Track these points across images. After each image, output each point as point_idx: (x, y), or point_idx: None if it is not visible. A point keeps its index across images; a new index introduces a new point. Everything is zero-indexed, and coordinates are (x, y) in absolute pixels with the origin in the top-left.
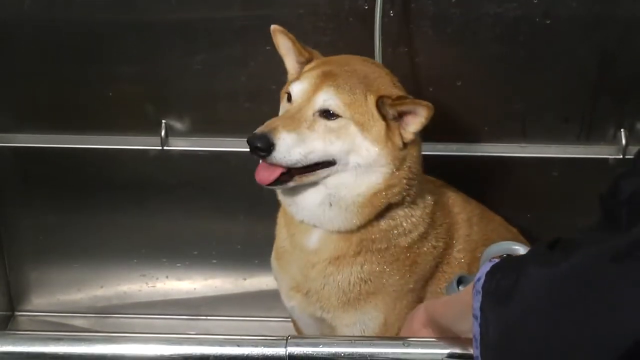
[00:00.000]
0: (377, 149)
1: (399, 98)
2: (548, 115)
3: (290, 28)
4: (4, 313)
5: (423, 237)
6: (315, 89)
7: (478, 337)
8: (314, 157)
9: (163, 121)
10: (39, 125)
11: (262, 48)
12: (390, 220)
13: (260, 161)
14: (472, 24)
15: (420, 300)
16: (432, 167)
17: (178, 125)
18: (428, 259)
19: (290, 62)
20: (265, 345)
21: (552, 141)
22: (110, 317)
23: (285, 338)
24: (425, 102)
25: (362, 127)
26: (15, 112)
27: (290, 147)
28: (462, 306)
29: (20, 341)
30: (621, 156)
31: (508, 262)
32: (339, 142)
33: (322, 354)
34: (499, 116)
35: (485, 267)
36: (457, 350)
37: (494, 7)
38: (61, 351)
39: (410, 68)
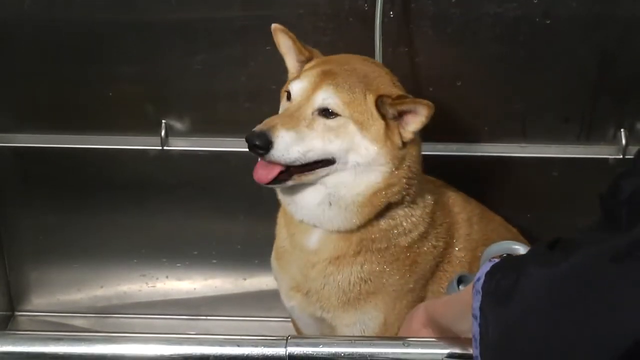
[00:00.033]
0: (376, 147)
1: (398, 97)
2: (548, 115)
3: (291, 28)
4: (4, 313)
5: (423, 236)
6: (315, 87)
7: (477, 337)
8: (313, 156)
9: (163, 121)
10: (39, 125)
11: (262, 48)
12: (390, 220)
13: (259, 159)
14: (472, 24)
15: (420, 300)
16: (432, 167)
17: (178, 125)
18: (428, 258)
19: (291, 61)
20: (265, 345)
21: (552, 141)
22: (110, 317)
23: (285, 338)
24: (426, 101)
25: (361, 126)
26: (15, 112)
27: (288, 145)
28: (462, 306)
29: (20, 341)
30: (621, 156)
31: (508, 262)
32: (338, 141)
33: (322, 354)
34: (499, 116)
35: (484, 267)
36: (457, 350)
37: (494, 7)
38: (61, 351)
39: (410, 68)
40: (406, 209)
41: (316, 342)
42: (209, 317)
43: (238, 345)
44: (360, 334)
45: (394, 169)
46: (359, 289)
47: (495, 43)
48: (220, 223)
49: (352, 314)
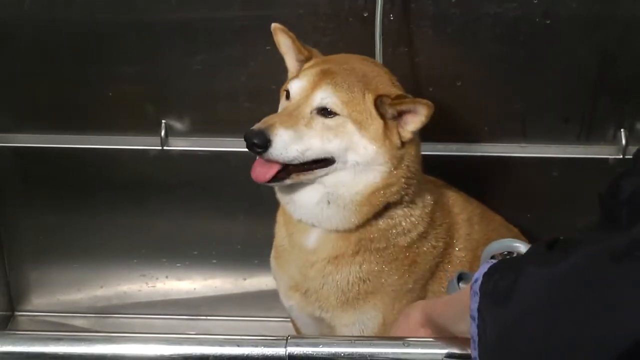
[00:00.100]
0: (374, 147)
1: (398, 97)
2: (548, 115)
3: (291, 28)
4: (4, 313)
5: (422, 236)
6: (314, 86)
7: (476, 338)
8: (311, 155)
9: (163, 121)
10: (39, 125)
11: (262, 48)
12: (389, 220)
13: (257, 158)
14: (472, 24)
15: (420, 300)
16: (432, 167)
17: (178, 125)
18: (428, 258)
19: (290, 60)
20: (265, 345)
21: (552, 141)
22: (110, 317)
23: (285, 338)
24: (425, 101)
25: (360, 125)
26: (15, 112)
27: (287, 144)
28: (460, 307)
29: (20, 341)
30: (621, 156)
31: (505, 263)
32: (336, 140)
33: (322, 354)
34: (499, 116)
35: (482, 269)
36: (457, 351)
37: (494, 7)
38: (61, 351)
39: (410, 68)
40: (405, 209)
41: (316, 342)
42: (208, 317)
43: (238, 345)
44: (359, 334)
45: (392, 169)
46: (357, 288)
47: (495, 43)
48: (220, 223)
49: (351, 313)
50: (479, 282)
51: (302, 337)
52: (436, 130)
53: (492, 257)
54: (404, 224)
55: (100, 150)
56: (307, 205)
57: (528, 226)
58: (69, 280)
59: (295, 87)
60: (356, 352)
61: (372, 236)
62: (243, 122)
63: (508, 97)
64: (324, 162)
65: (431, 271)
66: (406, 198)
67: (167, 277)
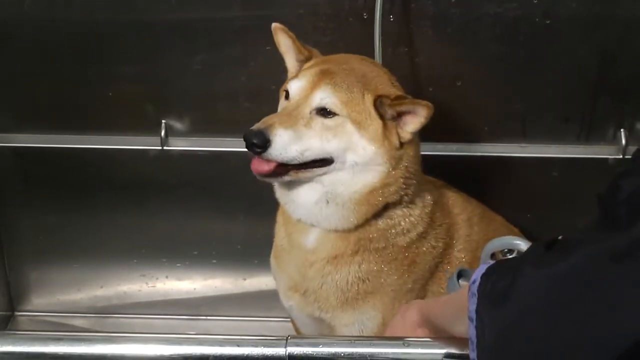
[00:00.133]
0: (373, 147)
1: (397, 98)
2: (548, 115)
3: (290, 28)
4: (4, 313)
5: (422, 237)
6: (313, 86)
7: (474, 339)
8: (310, 155)
9: (163, 121)
10: (39, 125)
11: (262, 48)
12: (388, 220)
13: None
14: (472, 24)
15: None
16: (432, 167)
17: (178, 125)
18: (427, 259)
19: (290, 60)
20: (265, 345)
21: (552, 141)
22: (110, 317)
23: (285, 338)
24: (425, 102)
25: (359, 125)
26: (15, 112)
27: (286, 144)
28: (458, 308)
29: (20, 341)
30: (621, 156)
31: (503, 263)
32: (335, 140)
33: (321, 354)
34: (499, 116)
35: (480, 270)
36: (456, 351)
37: (494, 7)
38: (61, 351)
39: (410, 68)
40: (404, 209)
41: (316, 342)
42: (208, 317)
43: (238, 345)
44: (358, 334)
45: (391, 169)
46: (357, 288)
47: (495, 43)
48: (220, 223)
49: (351, 313)
50: (477, 283)
51: (302, 337)
52: (436, 130)
53: (493, 255)
54: (403, 224)
55: (100, 150)
56: (306, 204)
57: (528, 226)
58: (69, 280)
59: (295, 87)
60: (356, 352)
61: (371, 236)
62: (243, 122)
63: (508, 97)
64: (322, 162)
65: (431, 271)
66: (405, 198)
67: (167, 277)
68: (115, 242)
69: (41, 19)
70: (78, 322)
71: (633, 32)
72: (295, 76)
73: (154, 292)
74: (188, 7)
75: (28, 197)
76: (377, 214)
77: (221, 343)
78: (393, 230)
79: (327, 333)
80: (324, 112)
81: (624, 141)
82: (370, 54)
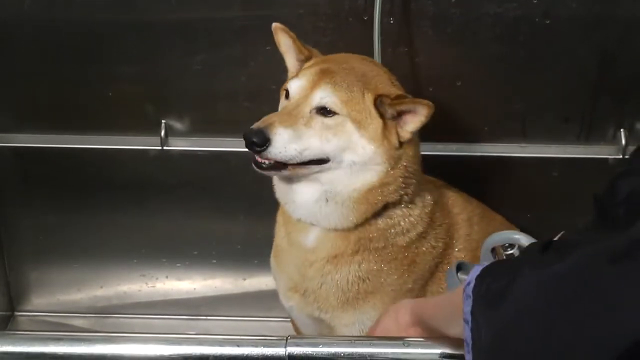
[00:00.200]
0: (373, 147)
1: (398, 97)
2: (548, 115)
3: (290, 28)
4: (4, 313)
5: (422, 236)
6: (313, 86)
7: (470, 341)
8: (309, 154)
9: (163, 121)
10: (39, 125)
11: (262, 48)
12: (387, 219)
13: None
14: (472, 24)
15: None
16: (432, 167)
17: (178, 125)
18: (427, 258)
19: (291, 60)
20: (265, 345)
21: (552, 141)
22: (110, 317)
23: (285, 338)
24: (426, 101)
25: (359, 124)
26: (15, 112)
27: (286, 143)
28: (453, 310)
29: (20, 341)
30: (621, 156)
31: (499, 265)
32: (335, 140)
33: (321, 354)
34: (499, 116)
35: (475, 271)
36: (456, 351)
37: (494, 7)
38: (61, 351)
39: (410, 68)
40: (404, 209)
41: (316, 342)
42: (208, 317)
43: (238, 346)
44: (358, 334)
45: (389, 169)
46: (357, 288)
47: (495, 43)
48: (220, 223)
49: (351, 313)
50: (472, 284)
51: (302, 337)
52: (436, 130)
53: (493, 250)
54: (402, 223)
55: (100, 150)
56: (305, 204)
57: (528, 226)
58: (69, 280)
59: (295, 86)
60: (356, 352)
61: (371, 235)
62: (243, 122)
63: (508, 97)
64: (319, 161)
65: (430, 271)
66: (405, 198)
67: (167, 277)
68: (115, 242)
69: (41, 19)
70: (78, 322)
71: (633, 32)
72: (296, 75)
73: (153, 292)
74: (188, 7)
75: (28, 197)
76: (377, 214)
77: (221, 343)
78: (393, 230)
79: (326, 333)
80: (324, 111)
81: (623, 141)
82: (370, 54)
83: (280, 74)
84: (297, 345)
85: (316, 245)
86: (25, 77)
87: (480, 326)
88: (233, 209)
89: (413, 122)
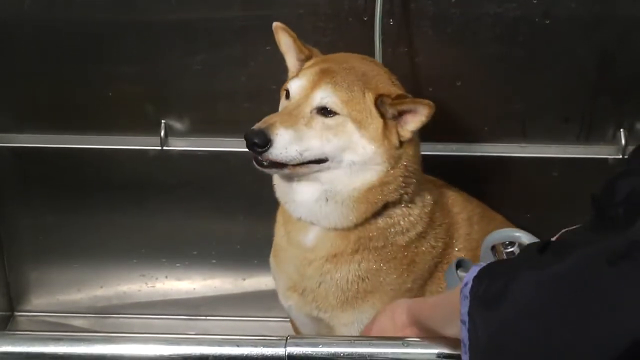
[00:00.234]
0: (373, 147)
1: (399, 97)
2: (548, 115)
3: (290, 28)
4: (4, 313)
5: (421, 236)
6: (313, 86)
7: (466, 342)
8: (309, 155)
9: (163, 121)
10: (38, 125)
11: (262, 48)
12: (387, 219)
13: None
14: (472, 24)
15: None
16: (432, 167)
17: (178, 125)
18: (426, 258)
19: (291, 59)
20: (264, 345)
21: (552, 141)
22: (109, 317)
23: (284, 338)
24: (427, 101)
25: (360, 124)
26: (15, 112)
27: (287, 144)
28: (449, 311)
29: (19, 341)
30: (620, 156)
31: (496, 266)
32: (335, 140)
33: (321, 354)
34: (499, 116)
35: (472, 272)
36: (455, 351)
37: (494, 7)
38: (61, 351)
39: (410, 68)
40: (404, 208)
41: (315, 342)
42: (208, 317)
43: (237, 346)
44: (357, 334)
45: (389, 168)
46: (356, 287)
47: (495, 43)
48: (220, 223)
49: (350, 313)
50: (469, 285)
51: (302, 337)
52: (436, 130)
53: (493, 247)
54: (402, 223)
55: (100, 150)
56: (306, 203)
57: (528, 226)
58: (68, 281)
59: (295, 86)
60: (356, 352)
61: (370, 235)
62: (243, 122)
63: (508, 97)
64: (318, 161)
65: (430, 271)
66: (405, 197)
67: (166, 277)
68: (115, 242)
69: (41, 19)
70: (77, 322)
71: (633, 32)
72: (296, 75)
73: (153, 292)
74: (188, 7)
75: (27, 197)
76: (377, 213)
77: (220, 343)
78: (392, 229)
79: (325, 332)
80: (324, 111)
81: (623, 141)
82: (370, 54)
83: (280, 74)
84: (297, 345)
85: (316, 244)
86: (25, 77)
87: (477, 327)
88: (233, 209)
89: (414, 122)
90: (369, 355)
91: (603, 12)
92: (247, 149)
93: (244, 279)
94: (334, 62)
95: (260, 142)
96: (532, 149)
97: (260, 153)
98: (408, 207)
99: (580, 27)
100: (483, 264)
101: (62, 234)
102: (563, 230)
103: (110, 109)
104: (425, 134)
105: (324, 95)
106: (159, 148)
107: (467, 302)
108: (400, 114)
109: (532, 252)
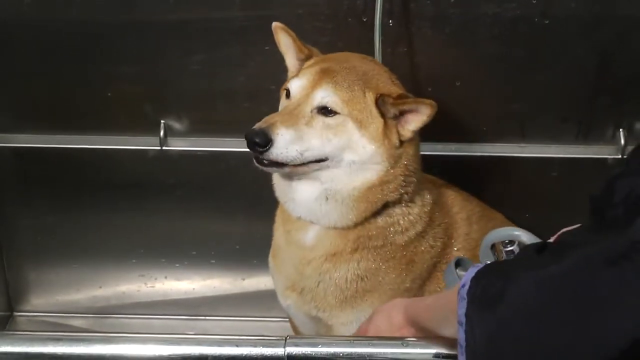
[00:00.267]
0: (373, 146)
1: (400, 96)
2: (547, 115)
3: (290, 28)
4: (3, 313)
5: (420, 236)
6: (314, 85)
7: (463, 343)
8: (309, 156)
9: (162, 121)
10: (38, 125)
11: (261, 48)
12: (387, 218)
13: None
14: (471, 24)
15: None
16: (431, 167)
17: (177, 125)
18: (425, 258)
19: (291, 59)
20: (263, 345)
21: (551, 141)
22: (109, 317)
23: (284, 338)
24: (429, 101)
25: (360, 124)
26: (15, 112)
27: (288, 144)
28: (446, 312)
29: (19, 341)
30: (620, 156)
31: (494, 267)
32: (335, 139)
33: (320, 354)
34: (499, 116)
35: (469, 273)
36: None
37: (493, 7)
38: (60, 351)
39: (409, 68)
40: (404, 208)
41: (315, 342)
42: (207, 317)
43: (237, 346)
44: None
45: (389, 168)
46: (355, 286)
47: (494, 43)
48: (219, 223)
49: (349, 312)
50: (467, 286)
51: (301, 337)
52: (436, 130)
53: (493, 246)
54: (401, 222)
55: (100, 150)
56: (306, 202)
57: (528, 226)
58: (68, 281)
59: (296, 86)
60: (355, 352)
61: (370, 234)
62: (242, 122)
63: (507, 97)
64: (317, 160)
65: (429, 271)
66: (405, 197)
67: (166, 277)
68: (114, 242)
69: (41, 19)
70: (77, 322)
71: (632, 32)
72: (296, 75)
73: (152, 292)
74: (187, 7)
75: (27, 197)
76: (377, 212)
77: (220, 343)
78: (392, 229)
79: (324, 332)
80: (325, 110)
81: (622, 141)
82: (370, 54)
83: (279, 74)
84: (296, 345)
85: (315, 243)
86: (25, 77)
87: (474, 328)
88: (232, 209)
89: (415, 122)
90: (368, 356)
91: (602, 12)
92: (246, 149)
93: (244, 279)
94: (335, 62)
95: (261, 141)
96: (531, 149)
97: (261, 153)
98: (408, 206)
99: (580, 27)
100: (480, 265)
101: (62, 234)
102: (561, 231)
103: (110, 109)
104: (425, 134)
105: (325, 95)
106: (159, 148)
107: (464, 304)
108: (402, 113)
109: (530, 253)
